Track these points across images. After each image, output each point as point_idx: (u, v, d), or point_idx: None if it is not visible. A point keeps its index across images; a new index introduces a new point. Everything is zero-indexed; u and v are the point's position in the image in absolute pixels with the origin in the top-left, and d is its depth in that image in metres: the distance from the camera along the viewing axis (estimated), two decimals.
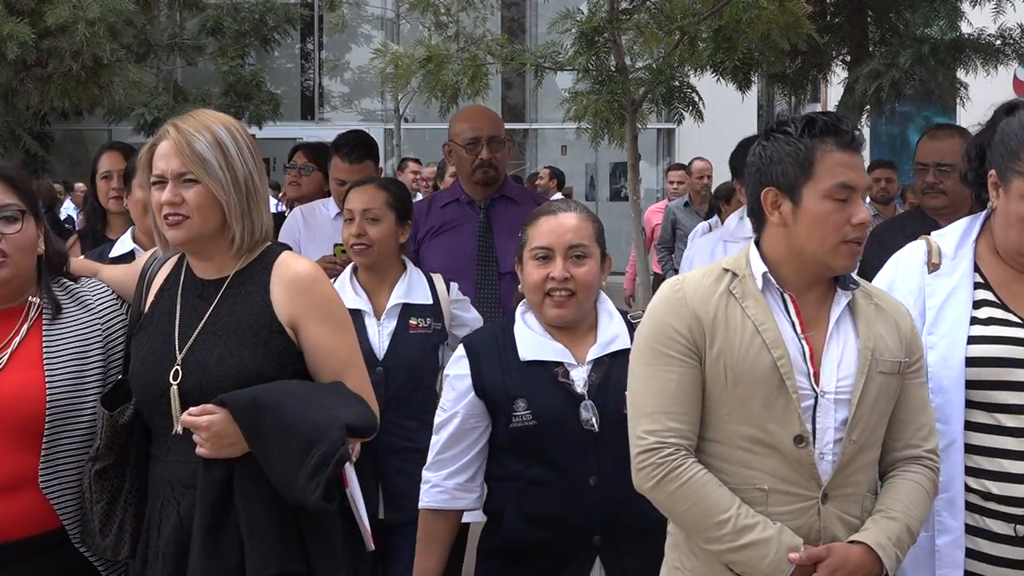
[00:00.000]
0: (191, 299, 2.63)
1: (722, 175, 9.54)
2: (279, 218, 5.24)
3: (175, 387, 2.53)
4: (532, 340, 2.93)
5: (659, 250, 9.23)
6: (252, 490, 2.47)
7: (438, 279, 3.83)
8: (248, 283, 2.60)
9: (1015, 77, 15.04)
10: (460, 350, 3.00)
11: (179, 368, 2.55)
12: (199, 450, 2.46)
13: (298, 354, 2.57)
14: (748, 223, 4.15)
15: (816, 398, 2.40)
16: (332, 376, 2.59)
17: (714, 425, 2.43)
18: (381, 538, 3.60)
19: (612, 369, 2.88)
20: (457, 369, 2.97)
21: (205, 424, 2.44)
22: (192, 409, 2.46)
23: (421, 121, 19.12)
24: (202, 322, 2.58)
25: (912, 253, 2.79)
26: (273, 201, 10.57)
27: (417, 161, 10.99)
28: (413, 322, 3.70)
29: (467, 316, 3.86)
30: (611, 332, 2.95)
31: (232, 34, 17.25)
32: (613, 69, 5.60)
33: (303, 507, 2.43)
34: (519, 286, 3.03)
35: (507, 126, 4.67)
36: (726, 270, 2.49)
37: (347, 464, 2.63)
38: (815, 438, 2.39)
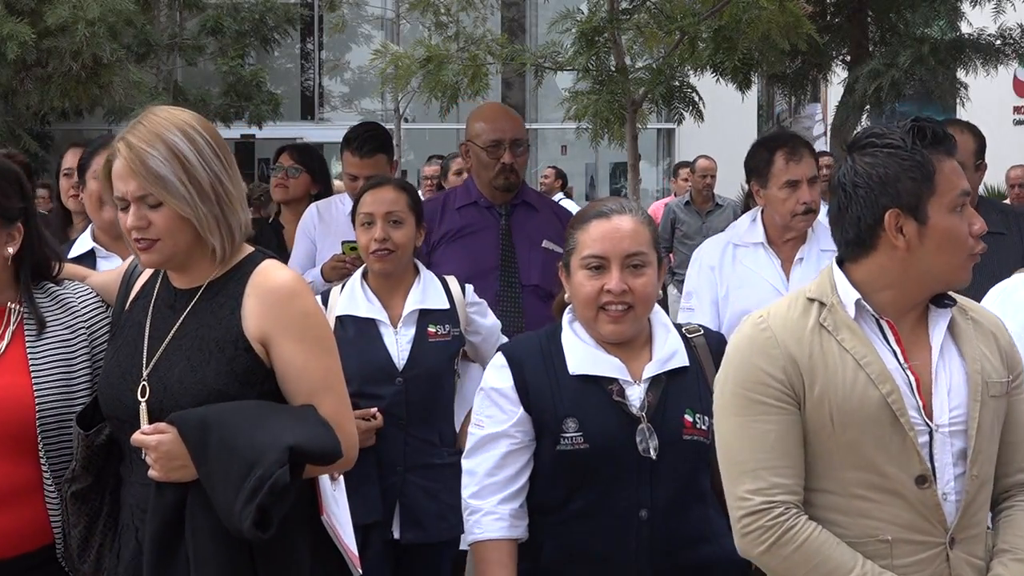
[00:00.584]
0: (162, 309, 2.44)
1: (722, 174, 9.57)
2: (274, 225, 5.23)
3: (143, 404, 2.34)
4: (584, 352, 2.62)
5: None
6: (202, 517, 2.26)
7: (452, 281, 3.63)
8: (221, 294, 2.40)
9: (1015, 77, 15.06)
10: (500, 359, 2.68)
11: (146, 384, 2.36)
12: (150, 472, 2.29)
13: (267, 373, 2.36)
14: (760, 227, 4.10)
15: (931, 433, 2.18)
16: (304, 399, 2.35)
17: (823, 474, 2.19)
18: (396, 562, 3.50)
19: (670, 389, 2.61)
20: (499, 381, 2.64)
21: (154, 444, 2.26)
22: (144, 428, 2.29)
23: (421, 121, 19.10)
24: (169, 335, 2.39)
25: (1022, 286, 2.61)
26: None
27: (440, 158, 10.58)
28: (432, 329, 3.49)
29: (484, 322, 3.65)
30: (669, 348, 2.66)
31: (232, 34, 17.21)
32: (613, 69, 5.61)
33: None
34: (565, 295, 2.72)
35: None
36: (811, 299, 2.24)
37: (331, 487, 2.49)
38: (935, 477, 2.17)
